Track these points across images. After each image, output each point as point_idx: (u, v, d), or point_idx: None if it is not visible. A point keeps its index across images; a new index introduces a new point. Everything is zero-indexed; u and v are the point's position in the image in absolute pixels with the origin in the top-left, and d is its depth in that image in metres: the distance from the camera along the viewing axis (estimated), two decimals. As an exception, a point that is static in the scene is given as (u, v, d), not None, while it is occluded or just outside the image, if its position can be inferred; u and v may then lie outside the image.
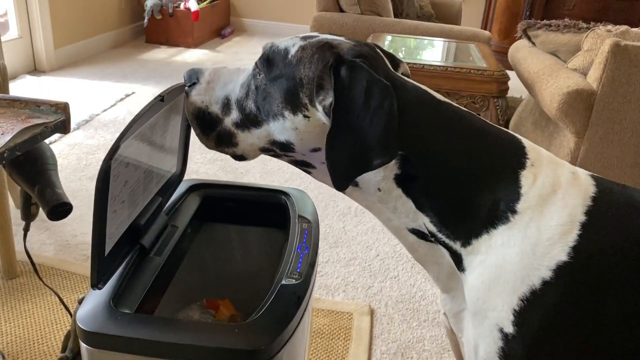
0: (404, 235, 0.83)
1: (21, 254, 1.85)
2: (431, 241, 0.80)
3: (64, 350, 1.13)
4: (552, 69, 2.13)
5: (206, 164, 2.67)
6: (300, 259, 0.86)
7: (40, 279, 1.27)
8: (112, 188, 0.68)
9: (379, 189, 0.79)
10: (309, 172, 0.86)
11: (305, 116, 0.78)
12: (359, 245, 2.11)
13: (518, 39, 2.64)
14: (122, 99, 3.45)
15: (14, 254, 1.75)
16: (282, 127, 0.80)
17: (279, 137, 0.81)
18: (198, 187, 1.05)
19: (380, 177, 0.78)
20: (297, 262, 0.85)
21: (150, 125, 0.79)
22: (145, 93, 3.60)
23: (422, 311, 1.78)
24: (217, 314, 1.05)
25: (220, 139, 0.86)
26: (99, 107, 3.26)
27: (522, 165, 0.77)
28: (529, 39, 2.54)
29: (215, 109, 0.86)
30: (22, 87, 3.50)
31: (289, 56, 0.81)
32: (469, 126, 0.80)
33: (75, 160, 2.62)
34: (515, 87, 3.17)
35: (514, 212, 0.74)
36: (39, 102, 1.02)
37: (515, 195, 0.75)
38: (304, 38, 0.84)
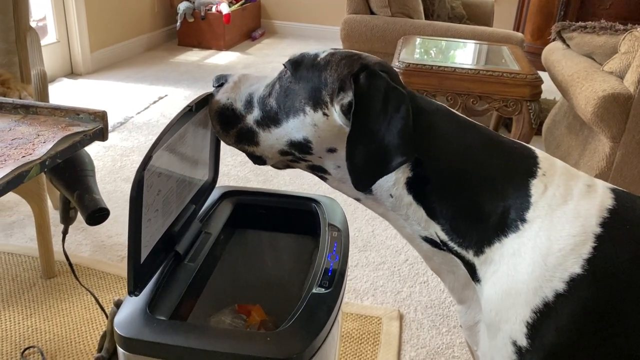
0: (418, 243, 0.84)
1: (59, 254, 1.91)
2: (444, 250, 0.81)
3: (100, 350, 1.16)
4: (587, 72, 2.09)
5: (237, 167, 2.70)
6: (330, 267, 0.87)
7: (77, 279, 1.31)
8: (145, 197, 0.70)
9: (391, 195, 0.81)
10: (324, 179, 0.88)
11: (324, 114, 0.81)
12: (388, 249, 2.11)
13: (552, 41, 2.59)
14: (155, 102, 3.52)
15: (52, 254, 1.81)
16: (302, 124, 0.82)
17: (297, 136, 0.83)
18: (230, 194, 1.07)
19: (392, 182, 0.80)
20: (327, 271, 0.86)
21: (181, 135, 0.81)
22: (177, 95, 3.67)
23: (452, 317, 1.77)
24: (248, 319, 1.07)
25: (240, 136, 0.88)
26: (133, 110, 3.33)
27: (533, 174, 0.76)
28: (563, 41, 2.49)
29: (239, 105, 0.88)
30: (60, 90, 3.60)
31: (318, 59, 0.86)
32: (480, 134, 0.81)
33: (111, 162, 2.69)
34: (549, 89, 3.12)
35: (523, 220, 0.73)
36: (78, 111, 1.05)
37: (525, 204, 0.74)
38: (335, 49, 0.88)
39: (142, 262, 0.75)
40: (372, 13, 3.08)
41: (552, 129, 2.62)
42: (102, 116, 1.05)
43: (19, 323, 1.62)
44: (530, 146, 0.83)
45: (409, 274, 1.97)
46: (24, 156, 0.89)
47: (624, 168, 1.98)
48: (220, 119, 0.88)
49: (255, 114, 0.86)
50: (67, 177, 1.09)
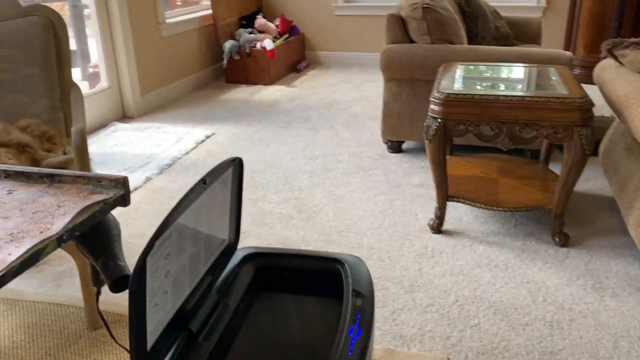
0: None
1: (105, 304, 1.94)
2: None
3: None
4: (643, 92, 1.94)
5: (280, 204, 2.68)
6: (351, 343, 0.81)
7: (113, 337, 1.31)
8: (151, 284, 0.68)
9: None
10: None
11: None
12: (436, 289, 2.02)
13: (603, 59, 2.45)
14: (202, 141, 3.58)
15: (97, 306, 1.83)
16: None
17: None
18: (252, 257, 1.03)
19: None
20: (348, 347, 0.80)
21: (194, 208, 0.79)
22: (225, 133, 3.72)
23: (506, 365, 1.65)
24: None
25: None
26: (181, 151, 3.40)
27: None
28: (616, 58, 2.34)
29: None
30: (112, 135, 3.73)
31: None
32: None
33: (158, 205, 2.73)
34: (606, 105, 2.94)
35: None
36: (100, 178, 1.05)
37: None
38: None
39: (149, 348, 0.72)
40: (411, 41, 3.03)
41: (610, 151, 2.45)
42: (123, 182, 1.05)
43: (64, 378, 1.63)
44: None
45: (459, 316, 1.87)
46: (41, 232, 0.90)
47: (691, 194, 1.81)
48: None
49: None
50: (92, 243, 1.08)
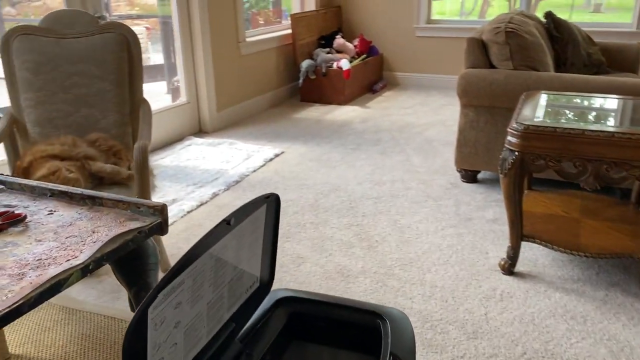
0: None
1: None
2: None
3: None
4: None
5: (342, 230, 2.59)
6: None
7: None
8: (153, 338, 0.61)
9: None
10: None
11: None
12: (502, 338, 1.84)
13: None
14: (271, 159, 3.57)
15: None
16: None
17: None
18: (286, 302, 0.95)
19: None
20: None
21: (217, 250, 0.72)
22: (293, 152, 3.69)
23: None
24: None
25: None
26: (250, 168, 3.40)
27: None
28: None
29: None
30: (187, 149, 3.81)
31: None
32: None
33: (221, 222, 2.72)
34: None
35: None
36: (139, 204, 1.01)
37: None
38: None
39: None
40: (492, 67, 2.86)
41: None
42: (161, 210, 1.00)
43: (107, 396, 1.62)
44: None
45: (525, 372, 1.69)
46: (68, 260, 0.86)
47: None
48: None
49: None
50: (127, 270, 1.05)
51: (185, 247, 2.48)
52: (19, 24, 2.03)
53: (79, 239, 0.93)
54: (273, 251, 0.90)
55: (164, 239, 2.44)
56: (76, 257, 0.87)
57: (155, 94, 5.34)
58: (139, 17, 6.14)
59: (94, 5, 3.17)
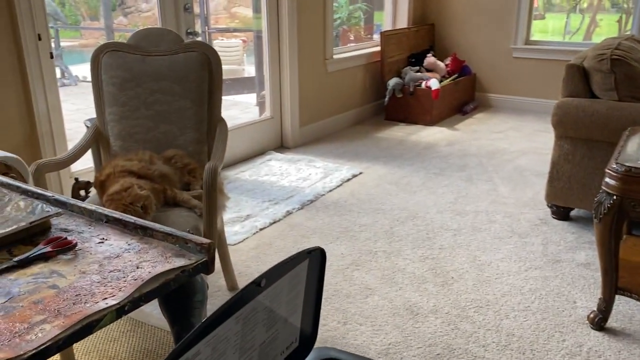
0: None
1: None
2: None
3: None
4: None
5: (416, 262, 2.46)
6: None
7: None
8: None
9: None
10: None
11: None
12: (585, 405, 1.64)
13: None
14: (348, 180, 3.50)
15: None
16: None
17: None
18: (328, 364, 0.87)
19: None
20: None
21: (245, 314, 0.65)
22: (372, 173, 3.60)
23: None
24: None
25: None
26: (326, 187, 3.35)
27: None
28: None
29: None
30: (267, 163, 3.83)
31: None
32: None
33: (292, 242, 2.69)
34: None
35: None
36: (187, 239, 0.97)
37: None
38: None
39: None
40: (593, 96, 2.62)
41: None
42: (207, 248, 0.96)
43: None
44: None
45: None
46: (105, 298, 0.83)
47: None
48: None
49: None
50: (171, 306, 1.01)
51: (254, 266, 2.46)
52: (110, 41, 2.11)
53: (122, 274, 0.90)
54: (317, 307, 0.83)
55: (233, 256, 2.43)
56: (114, 295, 0.84)
57: (246, 105, 5.47)
58: (235, 30, 6.35)
59: (187, 21, 3.28)
